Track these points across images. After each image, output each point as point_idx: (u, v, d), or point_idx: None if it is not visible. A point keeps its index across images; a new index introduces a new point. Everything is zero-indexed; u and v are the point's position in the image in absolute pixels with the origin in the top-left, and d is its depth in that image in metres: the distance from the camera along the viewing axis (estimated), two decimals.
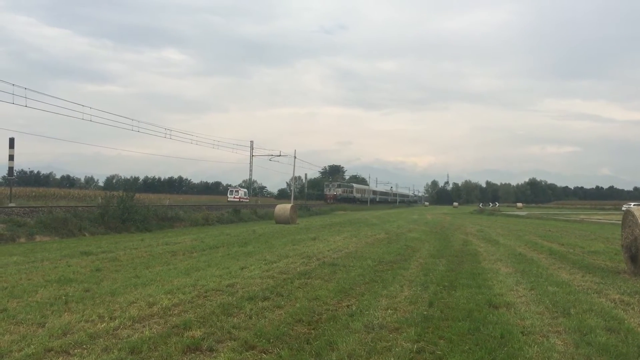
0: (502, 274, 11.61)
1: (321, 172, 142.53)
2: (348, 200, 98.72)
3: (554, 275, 11.59)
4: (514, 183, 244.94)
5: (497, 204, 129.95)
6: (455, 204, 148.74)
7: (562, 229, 31.88)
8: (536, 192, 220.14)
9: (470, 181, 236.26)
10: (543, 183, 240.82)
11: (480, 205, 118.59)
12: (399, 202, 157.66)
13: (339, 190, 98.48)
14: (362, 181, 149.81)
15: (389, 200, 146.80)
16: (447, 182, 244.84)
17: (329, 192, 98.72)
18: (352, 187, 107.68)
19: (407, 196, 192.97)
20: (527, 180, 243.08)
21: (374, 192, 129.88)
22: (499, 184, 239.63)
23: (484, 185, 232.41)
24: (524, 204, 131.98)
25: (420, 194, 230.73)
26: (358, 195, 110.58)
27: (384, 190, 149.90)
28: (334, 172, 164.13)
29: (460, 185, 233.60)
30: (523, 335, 6.57)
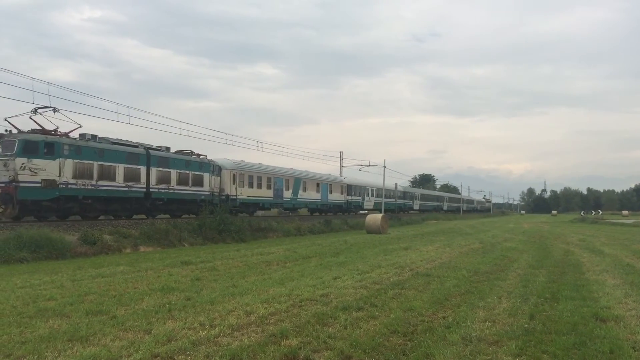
0: (608, 286, 10.98)
1: (411, 182, 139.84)
2: (181, 204, 29.59)
3: None
4: (618, 189, 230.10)
5: (600, 212, 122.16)
6: (554, 212, 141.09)
7: None
8: None
9: (569, 188, 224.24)
10: None
11: (582, 214, 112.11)
12: (446, 208, 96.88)
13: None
14: (454, 190, 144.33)
15: (413, 207, 76.03)
16: (544, 190, 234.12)
17: None
18: (218, 168, 33.85)
19: (471, 202, 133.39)
20: (633, 186, 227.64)
21: (351, 188, 52.88)
22: (601, 190, 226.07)
23: (584, 192, 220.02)
24: (631, 212, 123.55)
25: (515, 202, 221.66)
26: (258, 197, 37.59)
27: (378, 188, 60.36)
28: (424, 182, 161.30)
29: (558, 192, 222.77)
30: (634, 350, 6.18)
